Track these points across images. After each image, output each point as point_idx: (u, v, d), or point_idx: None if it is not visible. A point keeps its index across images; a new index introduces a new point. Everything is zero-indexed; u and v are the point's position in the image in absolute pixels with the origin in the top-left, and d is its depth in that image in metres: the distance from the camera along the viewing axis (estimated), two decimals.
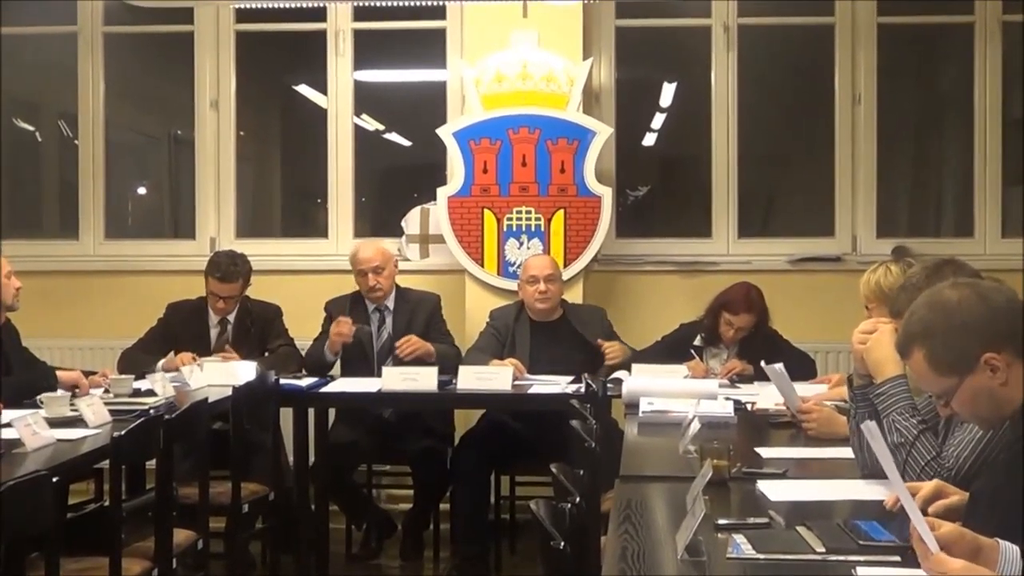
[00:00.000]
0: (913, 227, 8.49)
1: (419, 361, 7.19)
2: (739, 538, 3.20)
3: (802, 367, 6.53)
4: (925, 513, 3.00)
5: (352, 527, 7.63)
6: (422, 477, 7.47)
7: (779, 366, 5.29)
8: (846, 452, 4.26)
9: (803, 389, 5.52)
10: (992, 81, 8.33)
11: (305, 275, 8.30)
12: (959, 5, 8.36)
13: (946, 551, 2.57)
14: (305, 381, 7.11)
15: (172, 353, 7.25)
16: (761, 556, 3.06)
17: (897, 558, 2.94)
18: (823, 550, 3.05)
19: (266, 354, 7.35)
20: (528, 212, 7.99)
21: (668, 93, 9.18)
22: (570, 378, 6.92)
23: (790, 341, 7.10)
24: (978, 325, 3.14)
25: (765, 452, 4.54)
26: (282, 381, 7.01)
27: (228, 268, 7.38)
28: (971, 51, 8.36)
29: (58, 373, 6.41)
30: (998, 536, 2.68)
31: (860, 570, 2.78)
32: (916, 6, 8.47)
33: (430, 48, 8.52)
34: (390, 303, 7.54)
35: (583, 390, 6.36)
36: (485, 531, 7.22)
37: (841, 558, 2.98)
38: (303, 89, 9.02)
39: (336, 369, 7.47)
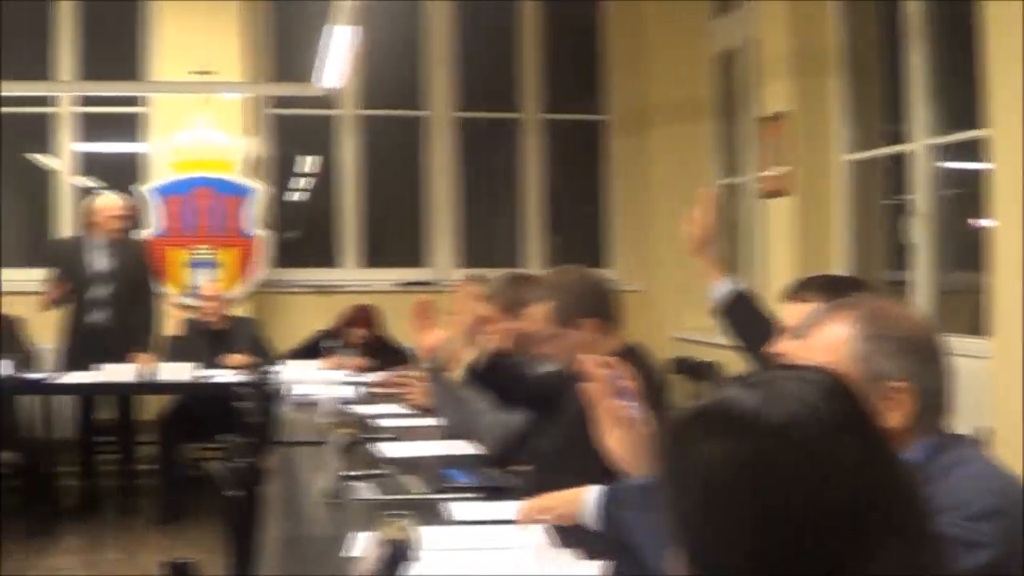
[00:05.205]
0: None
1: None
2: (363, 484, 3.26)
3: (406, 358, 6.53)
4: None
5: None
6: None
7: None
8: (434, 420, 4.38)
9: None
10: (533, 160, 8.65)
11: None
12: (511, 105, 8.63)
13: None
14: None
15: None
16: (380, 497, 3.13)
17: (483, 495, 3.06)
18: (424, 490, 3.15)
19: None
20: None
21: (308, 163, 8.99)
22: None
23: (401, 342, 7.12)
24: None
25: (382, 422, 4.61)
26: None
27: None
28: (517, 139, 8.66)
29: None
30: None
31: (452, 505, 2.84)
32: (485, 105, 8.69)
33: None
34: None
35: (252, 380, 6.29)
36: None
37: (436, 496, 3.09)
38: None
39: None
